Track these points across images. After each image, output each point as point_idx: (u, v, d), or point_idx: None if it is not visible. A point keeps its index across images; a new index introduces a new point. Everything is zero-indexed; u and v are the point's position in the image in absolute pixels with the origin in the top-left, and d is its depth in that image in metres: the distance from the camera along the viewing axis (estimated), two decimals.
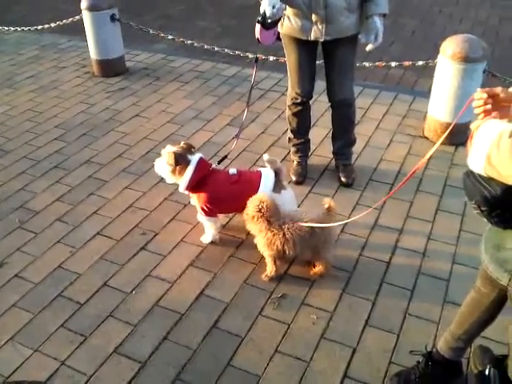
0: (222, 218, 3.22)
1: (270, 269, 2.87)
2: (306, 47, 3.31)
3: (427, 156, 2.00)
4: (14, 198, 3.62)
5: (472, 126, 1.66)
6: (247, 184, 2.97)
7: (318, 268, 2.90)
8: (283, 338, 2.58)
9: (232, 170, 3.03)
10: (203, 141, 4.28)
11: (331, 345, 2.54)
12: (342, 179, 3.72)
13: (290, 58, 3.41)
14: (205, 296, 2.82)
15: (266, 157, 3.02)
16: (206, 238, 3.15)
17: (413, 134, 4.37)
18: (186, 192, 3.02)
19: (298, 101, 3.56)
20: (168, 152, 2.93)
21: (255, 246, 2.84)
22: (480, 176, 1.58)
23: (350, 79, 3.45)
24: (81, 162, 4.01)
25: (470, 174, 1.64)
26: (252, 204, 2.72)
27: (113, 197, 3.61)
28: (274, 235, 2.71)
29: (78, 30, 5.98)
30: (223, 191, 2.97)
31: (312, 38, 3.18)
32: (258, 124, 4.53)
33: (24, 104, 4.95)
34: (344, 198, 3.56)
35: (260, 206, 2.69)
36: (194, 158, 2.96)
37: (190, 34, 6.87)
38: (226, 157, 3.26)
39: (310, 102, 3.65)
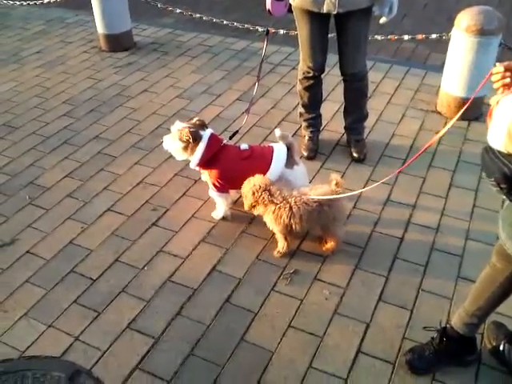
0: (234, 193, 3.19)
1: (282, 245, 2.85)
2: (318, 20, 3.24)
3: (441, 133, 1.96)
4: (24, 174, 3.60)
5: (491, 101, 1.61)
6: (259, 159, 2.94)
7: (330, 244, 2.87)
8: (296, 313, 2.57)
9: (244, 146, 2.99)
10: (213, 116, 4.23)
11: (344, 320, 2.53)
12: (354, 154, 3.67)
13: (302, 31, 3.34)
14: (217, 272, 2.81)
15: (277, 132, 2.98)
16: (218, 213, 3.13)
17: (425, 108, 4.30)
18: (197, 168, 2.99)
19: (310, 75, 3.50)
20: (181, 129, 2.88)
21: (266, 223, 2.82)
22: (500, 152, 1.53)
23: (363, 53, 3.38)
24: (90, 138, 3.98)
25: (488, 150, 1.59)
26: (247, 185, 2.74)
27: (123, 172, 3.59)
28: (279, 209, 2.69)
29: (84, 3, 5.91)
30: (235, 167, 2.94)
31: (325, 10, 3.10)
32: (269, 99, 4.47)
33: (31, 80, 4.90)
34: (356, 174, 3.52)
35: (253, 190, 2.70)
36: (206, 134, 2.92)
37: (199, 7, 6.77)
38: (236, 132, 3.22)
39: (322, 75, 3.58)
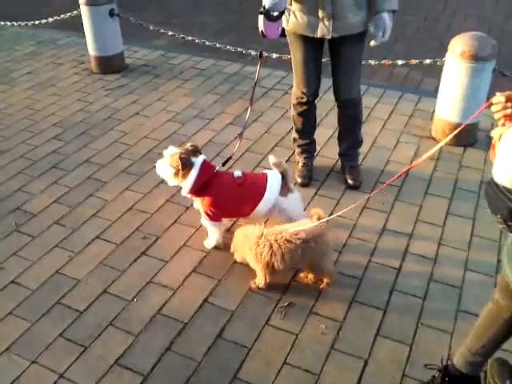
0: (227, 221, 3.11)
1: (260, 280, 2.76)
2: (312, 45, 3.20)
3: (428, 154, 1.93)
4: (11, 199, 3.50)
5: (493, 134, 1.56)
6: (253, 187, 2.87)
7: (325, 282, 2.79)
8: (291, 348, 2.47)
9: (237, 173, 2.92)
10: (205, 141, 4.16)
11: (342, 356, 2.44)
12: (349, 181, 3.61)
13: (296, 56, 3.30)
14: (209, 304, 2.71)
15: (271, 159, 2.91)
16: (210, 242, 3.04)
17: (419, 134, 4.26)
18: (189, 196, 2.91)
19: (304, 100, 3.45)
20: (173, 155, 2.81)
21: None
22: (505, 188, 1.47)
23: (357, 78, 3.34)
24: (79, 162, 3.89)
25: (493, 185, 1.53)
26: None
27: (112, 198, 3.50)
28: (260, 247, 2.60)
29: (75, 25, 5.86)
30: (228, 194, 2.86)
31: (318, 35, 3.06)
32: (261, 123, 4.42)
33: (21, 101, 4.83)
34: (351, 201, 3.43)
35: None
36: (198, 161, 2.85)
37: (191, 29, 6.76)
38: (229, 158, 3.14)
39: (316, 100, 3.54)
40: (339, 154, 3.76)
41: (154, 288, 2.80)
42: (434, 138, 4.19)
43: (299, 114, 3.55)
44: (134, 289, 2.79)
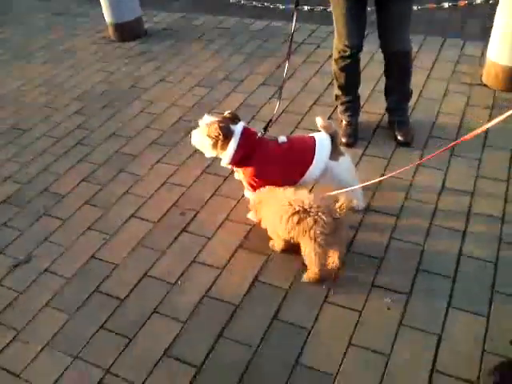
0: None
1: (275, 242, 2.56)
2: None
3: (485, 127, 1.63)
4: (36, 182, 3.29)
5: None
6: (300, 152, 2.58)
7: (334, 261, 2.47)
8: (355, 327, 2.22)
9: (281, 138, 2.63)
10: (237, 104, 3.86)
11: (412, 333, 2.18)
12: (400, 138, 3.28)
13: (336, 3, 2.94)
14: (260, 283, 2.47)
15: (319, 121, 2.61)
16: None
17: (469, 81, 3.88)
18: (229, 166, 2.64)
19: (347, 53, 3.11)
20: (210, 124, 2.52)
21: None
22: None
23: (407, 27, 2.98)
24: (105, 137, 3.65)
25: None
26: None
27: (144, 173, 3.25)
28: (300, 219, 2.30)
29: None
30: (273, 162, 2.57)
31: None
32: (296, 81, 4.08)
33: (38, 77, 4.58)
34: (404, 159, 3.13)
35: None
36: (237, 129, 2.54)
37: None
38: (270, 122, 2.84)
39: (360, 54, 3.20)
40: (387, 109, 3.43)
41: (199, 268, 2.57)
42: (485, 85, 3.81)
43: (342, 69, 3.21)
44: (178, 270, 2.57)
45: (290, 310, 2.32)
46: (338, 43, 3.12)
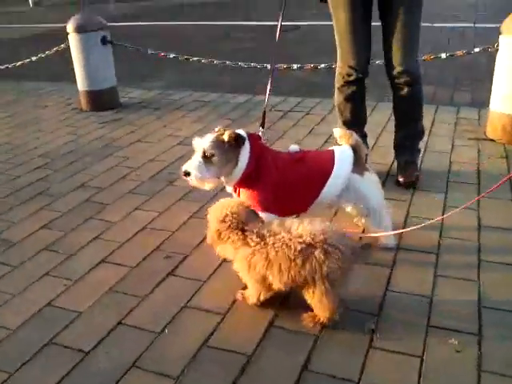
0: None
1: (251, 293, 1.92)
2: (358, 2, 2.59)
3: None
4: None
5: None
6: (317, 162, 2.12)
7: (318, 317, 1.81)
8: (420, 378, 1.58)
9: (293, 147, 2.18)
10: None
11: (498, 380, 1.55)
12: (400, 179, 2.85)
13: (339, 18, 2.68)
14: (277, 328, 1.83)
15: (337, 132, 2.19)
16: None
17: (474, 137, 3.57)
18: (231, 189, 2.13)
19: (352, 77, 2.78)
20: (218, 132, 2.04)
21: None
22: None
23: (413, 47, 2.70)
24: (73, 188, 3.09)
25: None
26: (213, 213, 1.83)
27: (119, 219, 2.67)
28: (253, 253, 1.74)
29: (57, 75, 5.24)
30: (286, 174, 2.07)
31: None
32: (288, 139, 3.70)
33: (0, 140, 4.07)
34: (425, 203, 2.67)
35: (225, 213, 1.78)
36: (243, 134, 2.07)
37: (188, 71, 6.24)
38: (264, 114, 2.39)
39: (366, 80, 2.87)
40: (394, 147, 3.03)
41: (193, 314, 1.93)
42: (492, 140, 3.50)
43: (347, 99, 2.86)
44: (163, 317, 1.91)
45: (324, 359, 1.68)
46: (341, 67, 2.80)
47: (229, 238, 1.77)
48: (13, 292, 2.10)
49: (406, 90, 2.79)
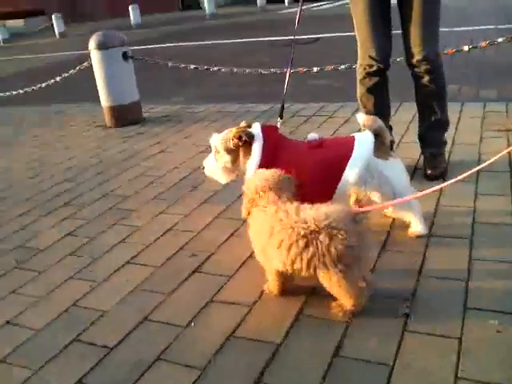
0: None
1: (270, 281, 1.89)
2: None
3: None
4: (10, 240, 2.67)
5: None
6: (335, 147, 2.07)
7: (342, 306, 1.74)
8: (458, 359, 1.49)
9: (312, 135, 2.16)
10: None
11: None
12: (428, 171, 2.76)
13: (357, 8, 2.65)
14: (305, 317, 1.76)
15: (360, 117, 2.15)
16: None
17: (503, 128, 3.45)
18: None
19: (373, 68, 2.73)
20: (224, 136, 2.14)
21: None
22: None
23: (433, 32, 2.63)
24: (97, 197, 3.09)
25: None
26: (250, 182, 1.81)
27: (144, 224, 2.65)
28: (265, 219, 1.71)
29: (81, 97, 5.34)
30: (303, 160, 2.03)
31: None
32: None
33: (25, 156, 4.14)
34: (458, 192, 2.57)
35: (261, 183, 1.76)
36: (256, 130, 2.10)
37: (210, 85, 6.29)
38: (283, 106, 2.45)
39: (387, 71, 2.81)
40: (419, 140, 2.96)
41: (219, 307, 1.88)
42: None
43: (369, 91, 2.81)
44: (189, 312, 1.87)
45: (356, 345, 1.60)
46: (362, 58, 2.76)
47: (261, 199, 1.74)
48: (38, 295, 2.09)
49: (426, 78, 2.72)
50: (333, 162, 2.04)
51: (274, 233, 1.65)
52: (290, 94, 2.43)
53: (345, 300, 1.70)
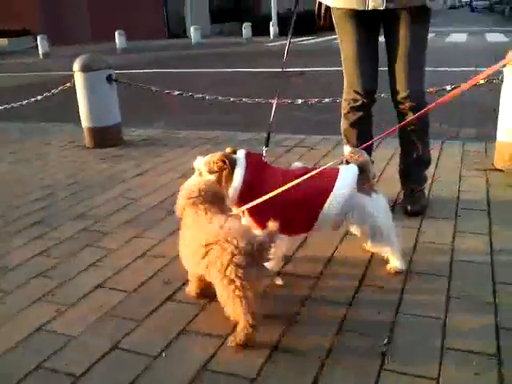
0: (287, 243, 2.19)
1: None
2: (363, 24, 2.61)
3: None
4: None
5: None
6: (319, 178, 2.04)
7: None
8: None
9: (296, 164, 2.16)
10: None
11: None
12: (408, 207, 2.76)
13: (345, 43, 2.69)
14: (280, 350, 1.72)
15: (346, 149, 2.20)
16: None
17: (482, 168, 3.50)
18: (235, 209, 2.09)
19: (358, 103, 2.75)
20: (209, 160, 2.11)
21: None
22: None
23: (418, 68, 2.66)
24: (71, 217, 3.01)
25: None
26: (184, 189, 1.94)
27: (118, 247, 2.59)
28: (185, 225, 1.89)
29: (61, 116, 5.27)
30: (286, 190, 1.98)
31: (370, 6, 2.46)
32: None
33: (1, 173, 4.03)
34: (437, 230, 2.58)
35: (193, 190, 1.88)
36: (240, 156, 2.11)
37: (192, 112, 6.28)
38: (269, 133, 2.42)
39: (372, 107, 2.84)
40: (400, 175, 2.97)
41: (192, 338, 1.82)
42: (501, 170, 3.43)
43: (353, 125, 2.82)
44: (161, 341, 1.79)
45: (333, 382, 1.54)
46: (347, 93, 2.78)
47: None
48: (3, 316, 2.00)
49: (410, 115, 2.74)
50: (314, 194, 2.03)
51: (187, 237, 1.82)
52: (274, 124, 2.42)
53: (236, 318, 1.70)
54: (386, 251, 2.16)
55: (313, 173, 1.99)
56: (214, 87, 8.19)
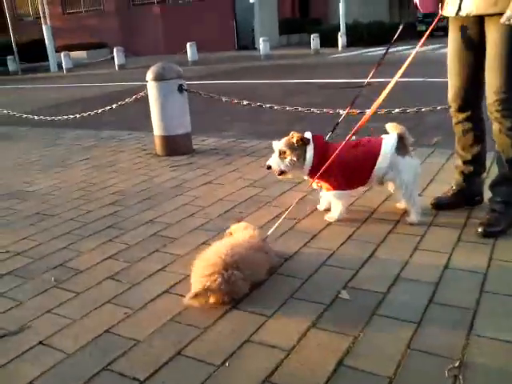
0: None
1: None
2: (461, 31, 2.54)
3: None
4: (52, 257, 2.67)
5: None
6: (369, 145, 2.70)
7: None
8: None
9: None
10: (295, 200, 3.26)
11: None
12: (479, 230, 2.57)
13: (449, 50, 2.73)
14: (345, 367, 1.65)
15: (388, 125, 2.77)
16: (333, 215, 2.83)
17: None
18: (309, 179, 2.80)
19: (451, 109, 2.73)
20: (287, 140, 2.73)
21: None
22: None
23: (508, 75, 2.50)
24: (141, 223, 3.08)
25: None
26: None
27: (185, 253, 2.61)
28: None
29: (136, 125, 5.46)
30: (347, 156, 2.67)
31: (463, 12, 2.36)
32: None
33: (75, 178, 4.21)
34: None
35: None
36: (308, 135, 2.74)
37: (261, 122, 6.31)
38: (337, 124, 2.85)
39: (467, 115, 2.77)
40: (491, 186, 2.78)
41: (255, 348, 1.79)
42: None
43: (456, 127, 2.84)
44: (225, 350, 1.79)
45: None
46: (449, 104, 2.83)
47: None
48: (72, 317, 2.06)
49: (505, 122, 2.55)
50: (368, 155, 2.68)
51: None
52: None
53: None
54: (407, 205, 2.70)
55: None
56: (282, 98, 8.21)
